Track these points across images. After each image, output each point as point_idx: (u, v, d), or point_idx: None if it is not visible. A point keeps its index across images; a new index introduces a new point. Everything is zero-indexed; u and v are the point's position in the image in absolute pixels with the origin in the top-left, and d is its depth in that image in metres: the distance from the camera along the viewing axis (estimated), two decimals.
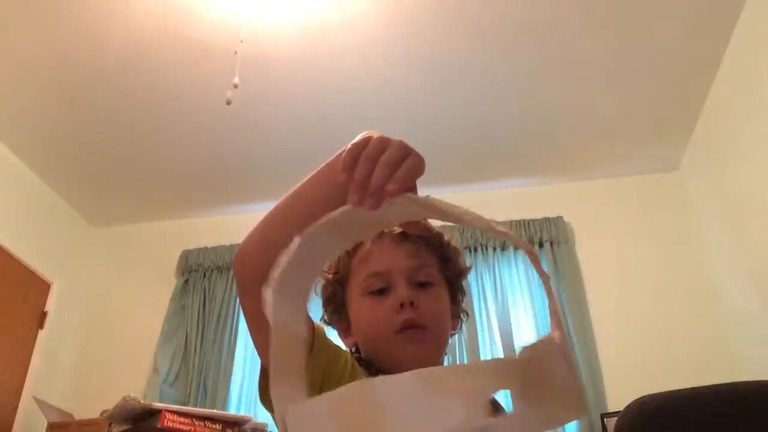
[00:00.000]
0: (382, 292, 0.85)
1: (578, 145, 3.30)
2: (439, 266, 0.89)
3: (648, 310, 3.09)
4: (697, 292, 3.10)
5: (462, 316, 0.94)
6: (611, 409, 2.79)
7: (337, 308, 0.91)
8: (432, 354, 0.83)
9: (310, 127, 3.15)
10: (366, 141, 0.55)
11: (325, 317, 0.93)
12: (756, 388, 1.24)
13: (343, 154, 0.55)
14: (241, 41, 2.43)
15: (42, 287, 3.50)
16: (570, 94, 2.94)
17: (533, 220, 3.38)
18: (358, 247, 0.90)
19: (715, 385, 1.22)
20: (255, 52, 2.63)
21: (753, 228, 2.66)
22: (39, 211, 3.54)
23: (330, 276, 0.92)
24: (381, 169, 0.53)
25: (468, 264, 0.95)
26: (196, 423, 2.20)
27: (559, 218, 3.37)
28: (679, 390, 1.21)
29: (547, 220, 3.37)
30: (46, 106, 3.02)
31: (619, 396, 2.74)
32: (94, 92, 2.93)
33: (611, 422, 2.63)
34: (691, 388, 1.21)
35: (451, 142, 3.23)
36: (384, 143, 0.55)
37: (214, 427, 2.24)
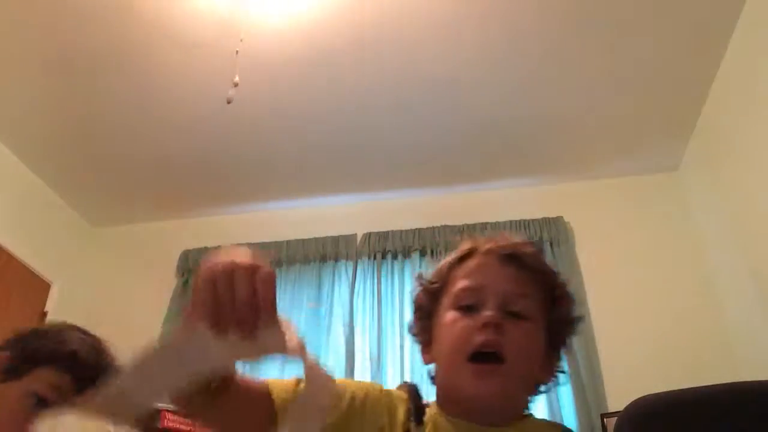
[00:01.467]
0: (470, 309, 0.78)
1: (578, 145, 3.30)
2: (544, 305, 0.81)
3: (648, 310, 3.09)
4: (697, 292, 3.10)
5: (557, 372, 0.85)
6: (611, 409, 2.79)
7: (423, 318, 0.86)
8: (501, 396, 0.75)
9: (310, 128, 3.15)
10: (212, 282, 0.53)
11: (412, 327, 0.89)
12: (756, 388, 1.24)
13: (195, 301, 0.54)
14: (241, 40, 2.43)
15: (42, 287, 3.49)
16: (570, 94, 2.94)
17: (533, 220, 3.37)
18: (464, 259, 0.85)
19: (715, 385, 1.22)
20: (255, 52, 2.62)
21: (753, 228, 2.66)
22: (39, 211, 3.54)
23: (426, 284, 0.87)
24: (241, 309, 0.53)
25: (578, 316, 0.86)
26: (196, 423, 2.20)
27: (559, 218, 3.37)
28: (679, 390, 1.21)
29: (547, 220, 3.37)
30: (46, 106, 3.02)
31: (619, 396, 2.73)
32: (94, 92, 2.93)
33: (611, 422, 2.63)
34: (691, 388, 1.21)
35: (451, 142, 3.23)
36: (230, 279, 0.53)
37: None
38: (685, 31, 2.60)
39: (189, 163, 3.41)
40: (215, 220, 3.83)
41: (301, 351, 0.56)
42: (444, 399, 0.80)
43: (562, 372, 0.88)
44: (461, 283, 0.81)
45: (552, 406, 2.86)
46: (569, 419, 2.85)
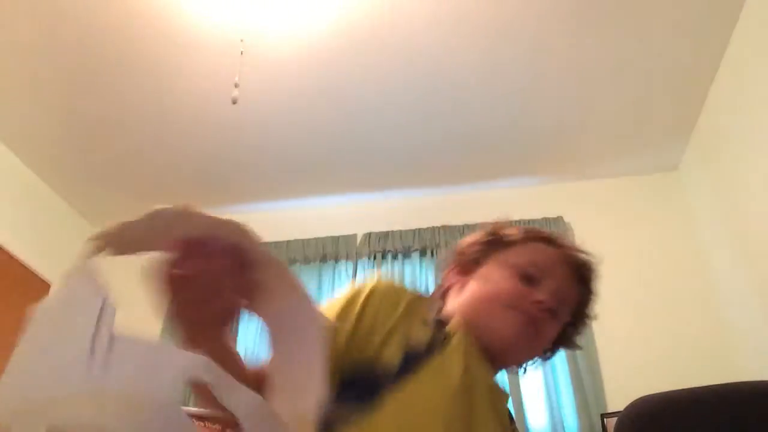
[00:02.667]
0: (529, 280, 0.89)
1: (578, 145, 3.30)
2: (572, 311, 0.95)
3: (648, 310, 3.09)
4: (697, 292, 3.10)
5: (548, 354, 0.98)
6: (611, 409, 2.79)
7: (468, 264, 0.94)
8: (514, 359, 0.91)
9: (311, 128, 3.15)
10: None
11: (445, 264, 0.97)
12: (756, 389, 1.24)
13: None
14: (242, 41, 2.43)
15: (42, 287, 3.49)
16: (570, 94, 2.94)
17: (533, 220, 3.37)
18: (546, 240, 0.96)
19: (714, 385, 1.22)
20: (256, 52, 2.63)
21: (753, 228, 2.66)
22: (39, 211, 3.54)
23: (487, 236, 0.96)
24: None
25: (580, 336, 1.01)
26: (196, 423, 2.20)
27: (559, 218, 3.37)
28: (678, 390, 1.21)
29: (547, 220, 3.36)
30: (46, 106, 3.02)
31: (619, 396, 2.74)
32: (94, 92, 2.93)
33: (611, 422, 2.63)
34: (690, 389, 1.21)
35: (452, 142, 3.23)
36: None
37: (214, 427, 2.24)
38: (684, 32, 2.60)
39: (189, 163, 3.41)
40: None
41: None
42: (474, 320, 0.88)
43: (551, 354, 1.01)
44: (538, 256, 0.92)
45: (552, 406, 2.86)
46: (569, 419, 2.85)
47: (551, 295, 0.88)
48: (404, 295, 0.81)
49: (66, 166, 3.45)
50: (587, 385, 2.88)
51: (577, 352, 2.97)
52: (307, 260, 3.50)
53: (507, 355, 0.87)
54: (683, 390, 1.20)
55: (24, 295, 3.35)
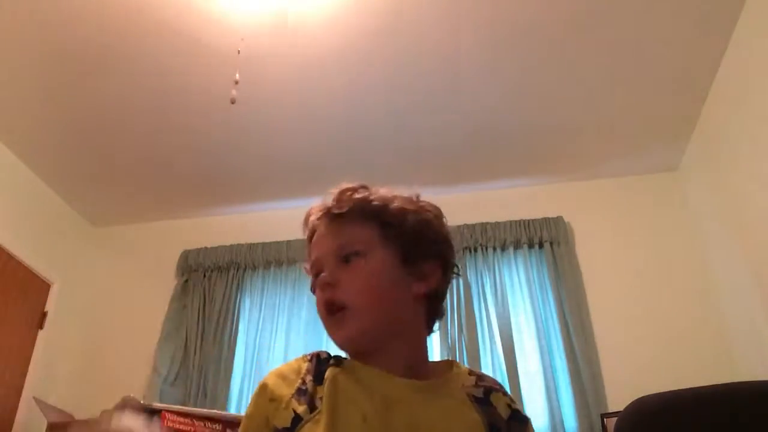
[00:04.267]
0: (316, 276, 0.87)
1: (578, 145, 3.30)
2: (379, 233, 0.85)
3: (648, 310, 3.09)
4: (696, 292, 3.10)
5: (448, 273, 0.88)
6: (611, 409, 2.79)
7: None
8: (362, 333, 0.81)
9: (310, 128, 3.15)
10: None
11: None
12: (755, 389, 1.24)
13: None
14: (242, 39, 2.43)
15: (42, 287, 3.50)
16: (570, 94, 2.94)
17: (533, 220, 3.38)
18: (308, 236, 0.93)
19: (714, 385, 1.22)
20: (256, 52, 2.63)
21: (753, 228, 2.66)
22: (39, 211, 3.54)
23: (306, 272, 0.95)
24: None
25: (423, 217, 0.88)
26: (196, 423, 2.20)
27: (559, 218, 3.38)
28: (678, 390, 1.21)
29: (547, 220, 3.37)
30: (46, 106, 3.02)
31: (619, 396, 2.74)
32: (94, 92, 2.93)
33: (611, 422, 2.63)
34: (690, 389, 1.21)
35: (452, 142, 3.23)
36: None
37: (214, 427, 2.24)
38: (685, 32, 2.60)
39: (189, 163, 3.41)
40: (215, 220, 3.83)
41: None
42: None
43: (455, 266, 0.90)
44: (308, 261, 0.90)
45: (552, 406, 2.87)
46: (569, 419, 2.85)
47: (328, 265, 0.84)
48: (262, 396, 0.81)
49: (66, 166, 3.45)
50: (587, 385, 2.88)
51: (577, 352, 2.97)
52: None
53: (367, 336, 0.81)
54: (683, 390, 1.20)
55: (24, 295, 3.36)
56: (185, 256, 3.67)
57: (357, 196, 0.89)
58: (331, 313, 0.82)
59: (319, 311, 0.84)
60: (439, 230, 0.90)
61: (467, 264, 3.32)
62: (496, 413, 0.81)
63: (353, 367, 0.82)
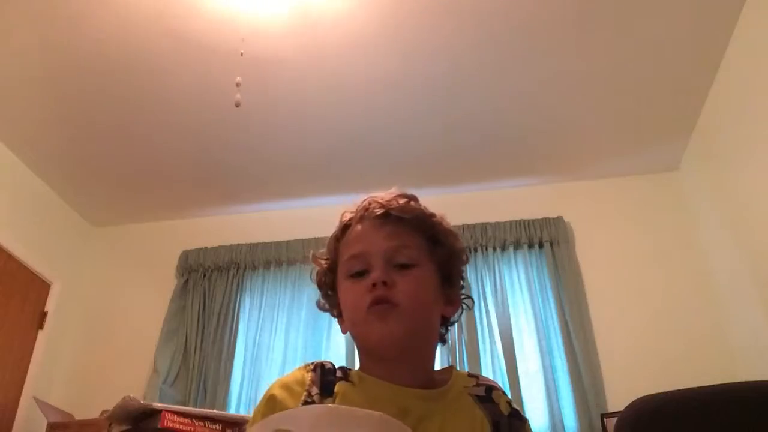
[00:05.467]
0: (361, 274, 0.85)
1: (578, 145, 3.30)
2: (427, 247, 0.87)
3: (648, 310, 3.09)
4: (696, 292, 3.10)
5: (463, 303, 0.92)
6: (611, 409, 2.79)
7: (327, 294, 0.94)
8: (404, 335, 0.81)
9: (310, 128, 3.15)
10: None
11: (320, 303, 0.96)
12: (755, 389, 1.24)
13: None
14: (243, 40, 2.43)
15: (42, 287, 3.50)
16: (570, 94, 2.94)
17: (533, 220, 3.38)
18: (346, 229, 0.92)
19: (714, 385, 1.23)
20: (257, 52, 2.63)
21: (753, 228, 2.66)
22: (39, 211, 3.54)
23: (322, 262, 0.95)
24: None
25: (463, 246, 0.94)
26: (196, 423, 2.20)
27: (559, 218, 3.38)
28: (678, 390, 1.21)
29: (547, 220, 3.37)
30: (46, 106, 3.02)
31: (619, 396, 2.74)
32: (94, 92, 2.93)
33: (611, 422, 2.63)
34: (690, 389, 1.21)
35: (452, 142, 3.23)
36: None
37: (214, 427, 2.24)
38: (684, 31, 2.60)
39: (189, 163, 3.41)
40: (215, 220, 3.83)
41: None
42: (366, 359, 0.86)
43: (468, 299, 0.93)
44: (348, 253, 0.88)
45: (552, 407, 2.87)
46: (569, 419, 2.85)
47: (380, 265, 0.83)
48: (270, 408, 0.79)
49: (66, 165, 3.45)
50: (587, 385, 2.88)
51: (577, 352, 2.97)
52: (307, 260, 3.49)
53: (403, 340, 0.81)
54: (683, 390, 1.20)
55: (24, 295, 3.36)
56: (185, 256, 3.67)
57: (416, 206, 0.92)
58: (383, 304, 0.81)
59: (358, 305, 0.83)
60: (465, 262, 0.94)
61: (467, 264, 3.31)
62: (498, 410, 0.83)
63: (361, 380, 0.82)
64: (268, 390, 0.82)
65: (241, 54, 2.41)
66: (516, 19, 2.55)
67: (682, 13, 2.51)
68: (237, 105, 2.25)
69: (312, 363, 0.86)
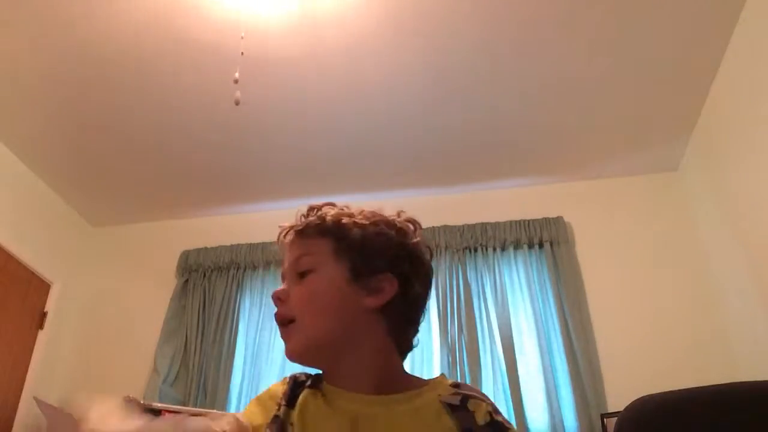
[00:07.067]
0: None
1: (578, 145, 3.30)
2: (333, 248, 0.86)
3: (648, 310, 3.09)
4: (697, 292, 3.10)
5: (386, 284, 0.83)
6: (611, 409, 2.79)
7: None
8: (307, 347, 0.82)
9: (311, 128, 3.15)
10: None
11: None
12: (756, 389, 1.24)
13: None
14: (242, 38, 2.42)
15: (42, 287, 3.50)
16: (570, 94, 2.93)
17: (533, 220, 3.38)
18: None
19: (714, 385, 1.22)
20: (256, 52, 2.63)
21: (753, 228, 2.66)
22: (39, 211, 3.54)
23: None
24: None
25: (381, 230, 0.87)
26: None
27: (559, 218, 3.38)
28: (678, 390, 1.21)
29: (547, 220, 3.37)
30: (46, 106, 3.02)
31: (619, 396, 2.74)
32: (94, 92, 2.93)
33: (611, 422, 2.63)
34: (690, 389, 1.21)
35: (452, 142, 3.23)
36: None
37: None
38: (685, 31, 2.60)
39: (189, 163, 3.41)
40: (215, 220, 3.83)
41: None
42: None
43: (408, 287, 0.85)
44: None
45: (552, 406, 2.86)
46: (569, 419, 2.85)
47: (285, 280, 0.88)
48: (242, 428, 0.81)
49: (66, 166, 3.45)
50: (587, 385, 2.88)
51: (577, 352, 2.97)
52: None
53: (311, 350, 0.83)
54: (683, 390, 1.20)
55: (24, 295, 3.36)
56: (185, 256, 3.67)
57: (318, 213, 0.92)
58: (283, 326, 0.84)
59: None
60: (398, 243, 0.87)
61: (467, 264, 3.32)
62: (471, 419, 0.78)
63: (325, 389, 0.82)
64: (246, 407, 0.86)
65: (242, 53, 2.41)
66: (515, 21, 2.55)
67: (683, 13, 2.50)
68: (237, 103, 2.24)
69: (289, 376, 0.88)
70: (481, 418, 0.78)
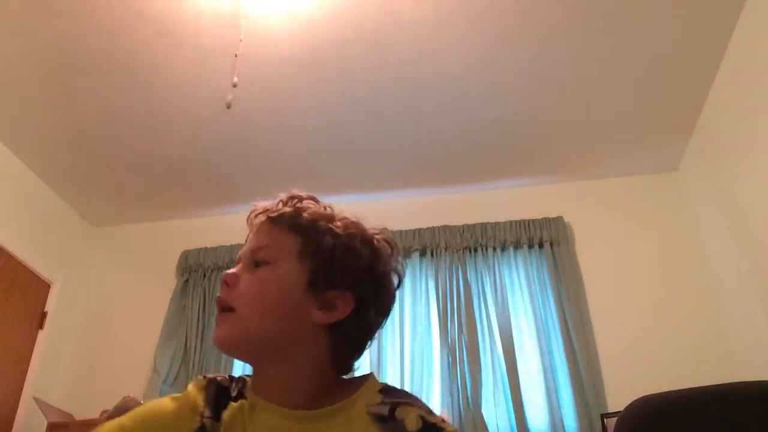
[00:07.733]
0: None
1: (578, 145, 3.30)
2: (300, 247, 0.80)
3: (648, 310, 3.09)
4: (697, 292, 3.10)
5: (340, 302, 0.79)
6: (611, 409, 2.79)
7: None
8: (237, 340, 0.77)
9: (310, 128, 3.15)
10: None
11: None
12: (755, 389, 1.24)
13: None
14: (240, 40, 2.43)
15: (42, 287, 3.50)
16: (570, 94, 2.94)
17: (533, 220, 3.38)
18: None
19: (714, 385, 1.22)
20: (254, 52, 2.63)
21: (753, 228, 2.66)
22: (39, 211, 3.54)
23: None
24: None
25: (344, 243, 0.81)
26: None
27: (559, 218, 3.37)
28: (678, 390, 1.21)
29: (547, 220, 3.37)
30: (46, 106, 3.02)
31: (619, 396, 2.74)
32: (94, 92, 2.93)
33: (611, 422, 2.63)
34: (690, 389, 1.21)
35: (452, 142, 3.23)
36: None
37: None
38: (684, 31, 2.60)
39: (189, 163, 3.41)
40: (215, 220, 3.83)
41: None
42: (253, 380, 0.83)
43: (363, 313, 0.80)
44: None
45: (552, 406, 2.86)
46: (569, 419, 2.85)
47: (238, 264, 0.83)
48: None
49: (66, 166, 3.45)
50: (587, 385, 2.88)
51: (577, 352, 2.97)
52: None
53: (239, 342, 0.78)
54: (683, 390, 1.20)
55: (24, 295, 3.36)
56: (185, 256, 3.67)
57: (297, 204, 0.87)
58: (222, 311, 0.78)
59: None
60: (367, 265, 0.81)
61: (467, 264, 3.32)
62: (402, 428, 0.74)
63: (251, 400, 0.78)
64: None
65: (236, 55, 2.41)
66: (515, 20, 2.55)
67: (682, 13, 2.51)
68: (228, 106, 2.25)
69: (205, 378, 0.83)
70: (412, 425, 0.74)
